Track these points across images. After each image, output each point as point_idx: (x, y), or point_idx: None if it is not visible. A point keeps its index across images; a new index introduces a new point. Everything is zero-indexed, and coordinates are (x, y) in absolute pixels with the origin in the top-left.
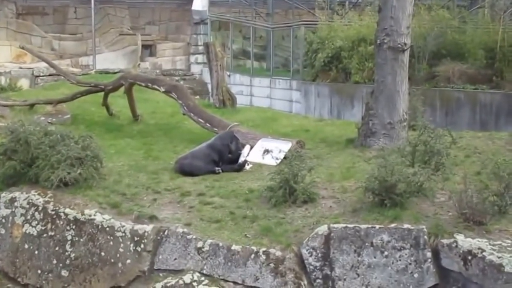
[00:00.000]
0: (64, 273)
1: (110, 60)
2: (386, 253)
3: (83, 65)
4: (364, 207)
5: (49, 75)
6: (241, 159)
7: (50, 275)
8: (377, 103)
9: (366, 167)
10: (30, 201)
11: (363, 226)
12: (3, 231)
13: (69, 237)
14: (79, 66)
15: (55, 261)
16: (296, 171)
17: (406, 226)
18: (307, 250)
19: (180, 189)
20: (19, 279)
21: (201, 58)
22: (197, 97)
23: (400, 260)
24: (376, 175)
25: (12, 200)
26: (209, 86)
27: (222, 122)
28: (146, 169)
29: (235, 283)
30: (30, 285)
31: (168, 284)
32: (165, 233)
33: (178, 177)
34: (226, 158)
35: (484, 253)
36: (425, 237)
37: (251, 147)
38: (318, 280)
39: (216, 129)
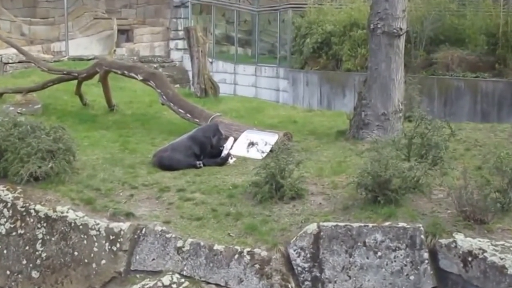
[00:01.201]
0: (35, 274)
1: (84, 46)
2: (379, 253)
3: (55, 51)
4: (356, 204)
5: (19, 62)
6: (224, 153)
7: (19, 276)
8: (370, 92)
9: (359, 161)
10: None
11: (355, 225)
12: None
13: (40, 236)
14: (50, 52)
15: (25, 261)
16: (283, 165)
17: (401, 224)
18: (294, 250)
19: (159, 184)
20: None
21: (181, 43)
22: (177, 85)
23: (395, 261)
24: (369, 170)
25: None
26: (190, 74)
27: (203, 112)
28: (122, 162)
29: (217, 285)
30: None
31: (146, 286)
32: (143, 231)
33: (157, 171)
34: (208, 151)
35: (485, 254)
36: (422, 236)
37: (235, 140)
38: (306, 282)
39: (197, 120)
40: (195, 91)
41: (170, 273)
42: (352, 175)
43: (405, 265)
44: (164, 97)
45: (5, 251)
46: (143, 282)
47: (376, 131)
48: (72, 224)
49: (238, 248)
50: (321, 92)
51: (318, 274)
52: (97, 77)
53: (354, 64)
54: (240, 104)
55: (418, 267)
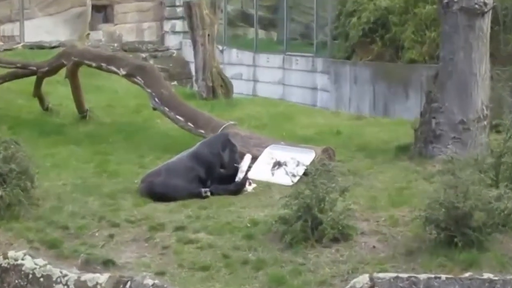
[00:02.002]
0: None
1: (46, 28)
2: None
3: (6, 36)
4: (424, 248)
5: None
6: (240, 176)
7: None
8: (443, 92)
9: (427, 187)
10: None
11: (423, 276)
12: None
13: None
14: (0, 37)
15: None
16: (323, 194)
17: (486, 276)
18: None
19: (149, 220)
20: None
21: (180, 25)
22: (175, 83)
23: None
24: (442, 200)
25: None
26: (192, 67)
27: (211, 120)
28: (98, 190)
29: None
30: None
31: None
32: (128, 285)
33: (146, 203)
34: (217, 174)
35: None
36: None
37: (255, 158)
38: None
39: (202, 131)
40: (199, 90)
41: None
42: (418, 207)
43: None
44: (156, 99)
45: None
46: None
47: (452, 146)
48: (30, 276)
49: None
50: (375, 92)
51: None
52: (63, 71)
53: (420, 53)
54: (262, 108)
55: None
